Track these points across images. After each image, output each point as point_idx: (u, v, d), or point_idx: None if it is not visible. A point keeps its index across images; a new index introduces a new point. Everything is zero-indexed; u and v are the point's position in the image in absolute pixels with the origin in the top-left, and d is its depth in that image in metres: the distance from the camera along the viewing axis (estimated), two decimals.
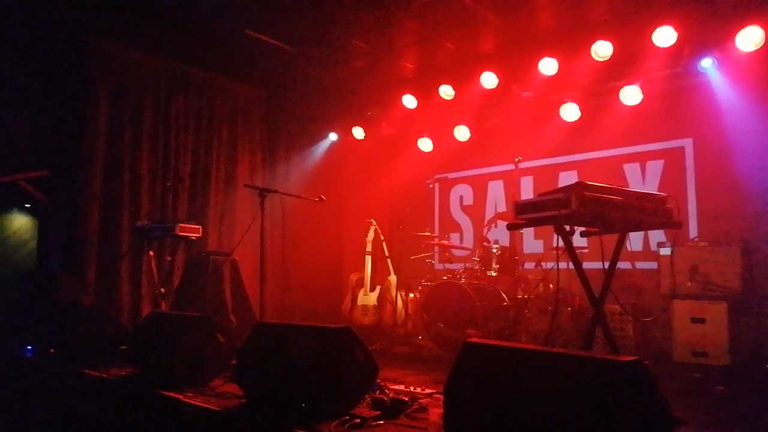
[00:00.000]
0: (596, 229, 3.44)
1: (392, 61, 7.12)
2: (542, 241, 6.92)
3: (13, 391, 4.71)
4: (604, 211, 2.95)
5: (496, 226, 6.63)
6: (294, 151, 8.22)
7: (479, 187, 7.81)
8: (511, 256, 6.02)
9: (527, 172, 7.04)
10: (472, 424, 2.38)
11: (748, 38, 5.21)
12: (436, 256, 7.54)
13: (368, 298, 6.70)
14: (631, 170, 6.50)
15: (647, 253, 6.10)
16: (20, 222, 7.97)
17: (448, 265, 6.80)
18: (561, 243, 3.18)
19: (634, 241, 6.20)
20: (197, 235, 5.52)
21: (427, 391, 3.67)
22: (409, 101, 7.48)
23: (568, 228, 3.17)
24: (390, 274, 6.86)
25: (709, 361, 4.75)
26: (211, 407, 3.31)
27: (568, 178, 6.77)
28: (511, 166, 6.21)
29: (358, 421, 2.91)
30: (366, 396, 3.24)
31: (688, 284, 5.03)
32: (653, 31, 5.54)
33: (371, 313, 6.60)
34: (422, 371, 4.89)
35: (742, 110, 5.58)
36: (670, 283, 5.01)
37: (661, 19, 5.48)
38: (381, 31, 6.29)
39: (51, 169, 6.16)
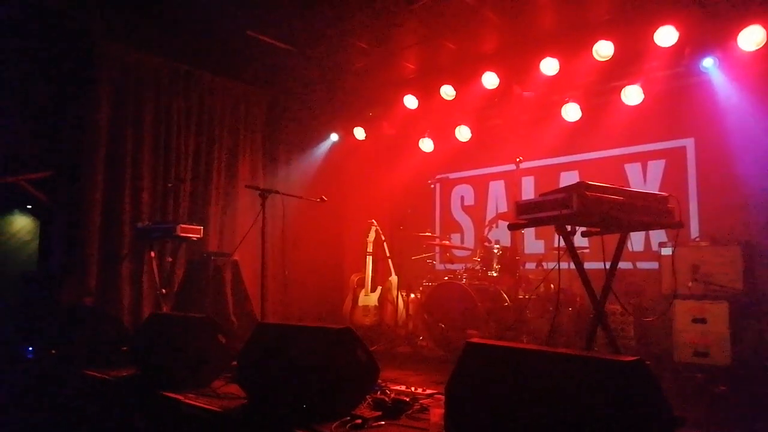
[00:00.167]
0: (597, 229, 3.44)
1: (393, 61, 7.12)
2: (543, 241, 6.91)
3: (15, 392, 4.71)
4: (605, 211, 2.94)
5: (497, 227, 6.62)
6: (295, 151, 8.21)
7: (480, 187, 7.81)
8: (512, 257, 6.02)
9: (528, 172, 7.04)
10: (474, 425, 2.38)
11: (749, 38, 5.20)
12: (437, 256, 7.54)
13: (369, 298, 6.70)
14: (632, 170, 6.49)
15: (648, 254, 6.10)
16: (22, 223, 7.99)
17: (449, 266, 6.80)
18: (562, 243, 3.18)
19: (636, 241, 6.19)
20: (198, 235, 5.53)
21: (429, 391, 3.67)
22: (411, 101, 7.48)
23: (569, 228, 3.17)
24: (391, 275, 6.85)
25: (711, 361, 4.74)
26: (212, 408, 3.31)
27: (569, 178, 6.77)
28: (512, 166, 6.20)
29: (359, 421, 2.91)
30: (367, 396, 3.24)
31: (690, 284, 5.02)
32: (655, 31, 5.53)
33: (372, 314, 6.60)
34: (423, 372, 4.89)
35: (744, 110, 5.58)
36: (672, 283, 5.01)
37: (663, 19, 5.48)
38: (382, 31, 6.30)
39: (53, 171, 6.16)
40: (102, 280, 5.93)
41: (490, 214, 7.46)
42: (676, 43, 5.55)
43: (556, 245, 3.24)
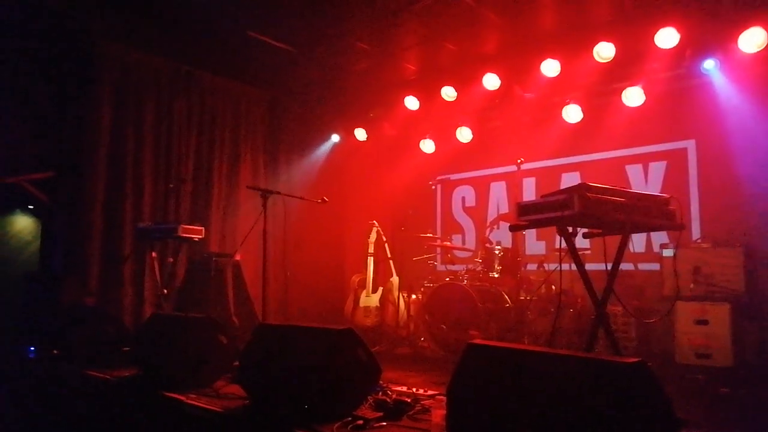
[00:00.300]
0: (599, 231, 3.44)
1: (394, 62, 7.13)
2: (545, 242, 6.91)
3: (16, 392, 4.71)
4: (606, 212, 2.95)
5: (498, 228, 6.63)
6: (296, 152, 8.22)
7: (481, 188, 7.81)
8: (513, 258, 6.01)
9: (529, 173, 7.04)
10: (475, 426, 2.38)
11: (750, 39, 5.20)
12: (438, 257, 7.54)
13: (370, 299, 6.70)
14: (633, 171, 6.49)
15: (650, 255, 6.09)
16: (23, 223, 7.99)
17: (450, 267, 6.79)
18: (564, 244, 3.19)
19: (637, 242, 6.18)
20: (199, 236, 5.53)
21: (430, 392, 3.67)
22: (412, 103, 7.49)
23: (570, 229, 3.17)
24: (392, 276, 6.85)
25: (712, 362, 4.74)
26: (214, 408, 3.32)
27: (570, 180, 6.77)
28: (513, 168, 6.20)
29: (360, 422, 2.91)
30: (368, 397, 3.24)
31: (691, 286, 5.02)
32: (656, 33, 5.53)
33: (373, 315, 6.60)
34: (425, 372, 4.88)
35: (745, 111, 5.58)
36: (673, 284, 5.00)
37: (664, 21, 5.48)
38: (383, 32, 6.30)
39: (54, 171, 6.17)
40: (103, 280, 5.93)
41: (492, 216, 7.46)
42: (677, 45, 5.55)
43: (557, 246, 3.25)
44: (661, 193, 3.51)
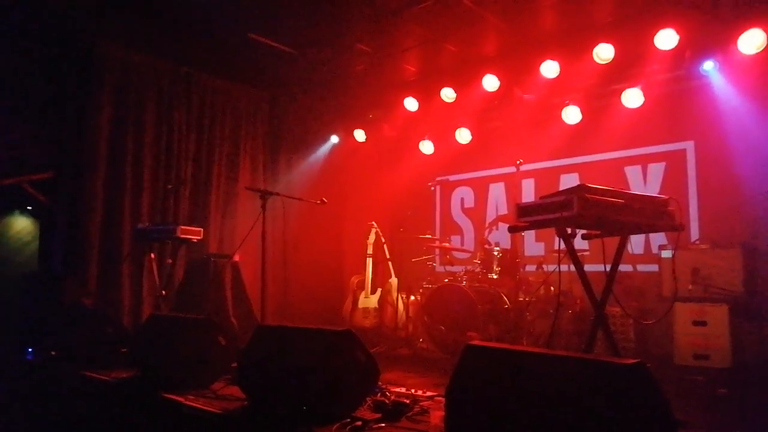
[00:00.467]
0: (598, 232, 3.44)
1: (394, 63, 7.13)
2: (543, 243, 6.91)
3: (15, 393, 4.71)
4: (605, 213, 2.95)
5: (497, 229, 6.63)
6: (295, 153, 8.22)
7: (480, 189, 7.81)
8: (512, 259, 6.01)
9: (528, 174, 7.04)
10: (474, 427, 2.38)
11: (749, 41, 5.21)
12: (437, 258, 7.54)
13: (369, 300, 6.70)
14: (632, 173, 6.50)
15: (649, 256, 6.10)
16: (22, 224, 8.00)
17: (449, 268, 6.79)
18: (562, 246, 3.19)
19: (636, 243, 6.18)
20: (198, 237, 5.52)
21: (429, 393, 3.67)
22: (411, 104, 7.49)
23: (569, 230, 3.17)
24: (391, 277, 6.85)
25: (711, 364, 4.74)
26: (213, 409, 3.31)
27: (569, 181, 6.77)
28: (512, 169, 6.20)
29: (359, 423, 2.91)
30: (367, 399, 3.24)
31: (690, 287, 5.02)
32: (655, 34, 5.54)
33: (372, 316, 6.59)
34: (423, 374, 4.88)
35: (744, 113, 5.58)
36: (672, 285, 5.00)
37: (663, 22, 5.48)
38: (383, 33, 6.30)
39: (53, 172, 6.17)
40: (102, 281, 5.92)
41: (490, 217, 7.47)
42: (676, 46, 5.55)
43: (556, 248, 3.24)
44: (659, 194, 3.51)
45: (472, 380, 2.46)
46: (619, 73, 6.09)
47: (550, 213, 3.01)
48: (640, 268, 6.14)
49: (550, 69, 6.30)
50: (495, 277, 5.93)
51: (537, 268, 6.23)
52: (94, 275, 5.86)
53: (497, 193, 7.63)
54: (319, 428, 2.82)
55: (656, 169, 6.34)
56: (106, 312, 5.47)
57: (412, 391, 3.77)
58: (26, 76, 5.93)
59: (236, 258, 5.78)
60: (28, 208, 7.86)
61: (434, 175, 7.42)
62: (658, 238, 5.86)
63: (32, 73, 5.95)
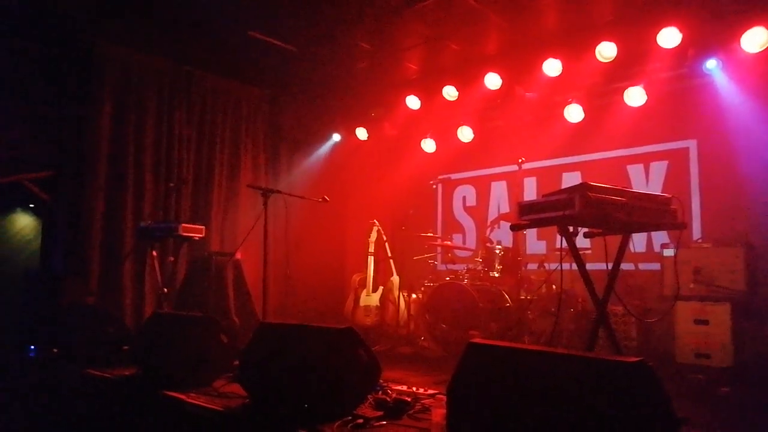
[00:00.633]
0: (600, 230, 3.44)
1: (396, 62, 7.12)
2: (545, 242, 6.91)
3: (16, 391, 4.72)
4: (607, 212, 2.94)
5: (499, 227, 6.63)
6: (297, 151, 8.22)
7: (482, 187, 7.81)
8: (514, 257, 6.01)
9: (530, 173, 7.03)
10: (475, 425, 2.38)
11: (753, 39, 5.20)
12: (439, 256, 7.54)
13: (371, 298, 6.70)
14: (634, 171, 6.49)
15: (651, 255, 6.09)
16: (24, 222, 8.00)
17: (450, 266, 6.79)
18: (564, 244, 3.18)
19: (638, 242, 6.18)
20: (200, 235, 5.52)
21: (430, 391, 3.67)
22: (413, 102, 7.48)
23: (571, 229, 3.17)
24: (392, 275, 6.85)
25: (712, 362, 4.73)
26: (214, 407, 3.32)
27: (571, 179, 6.76)
28: (514, 167, 6.20)
29: (360, 421, 2.91)
30: (369, 396, 3.24)
31: (692, 285, 5.02)
32: (658, 32, 5.52)
33: (374, 314, 6.60)
34: (425, 372, 4.88)
35: (747, 111, 5.57)
36: (674, 284, 5.00)
37: (666, 20, 5.47)
38: (385, 32, 6.29)
39: (55, 170, 6.17)
40: (104, 279, 5.93)
41: (492, 215, 7.46)
42: (679, 45, 5.54)
43: (558, 246, 3.24)
44: (662, 192, 3.50)
45: (474, 378, 2.45)
46: (622, 72, 6.08)
47: (552, 211, 3.01)
48: (642, 266, 6.13)
49: (552, 67, 6.28)
50: (496, 275, 5.93)
51: (539, 267, 6.24)
52: (95, 273, 5.87)
53: (499, 191, 7.62)
54: (320, 426, 2.82)
55: (659, 168, 6.33)
56: (107, 310, 5.48)
57: (414, 389, 3.77)
58: (27, 75, 5.93)
59: (238, 256, 5.78)
60: (31, 206, 7.86)
61: (436, 174, 7.42)
62: (660, 237, 5.84)
63: (33, 72, 5.95)
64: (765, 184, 5.39)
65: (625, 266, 4.16)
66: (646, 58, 5.89)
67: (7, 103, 5.84)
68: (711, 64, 5.62)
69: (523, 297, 5.76)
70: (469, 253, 6.92)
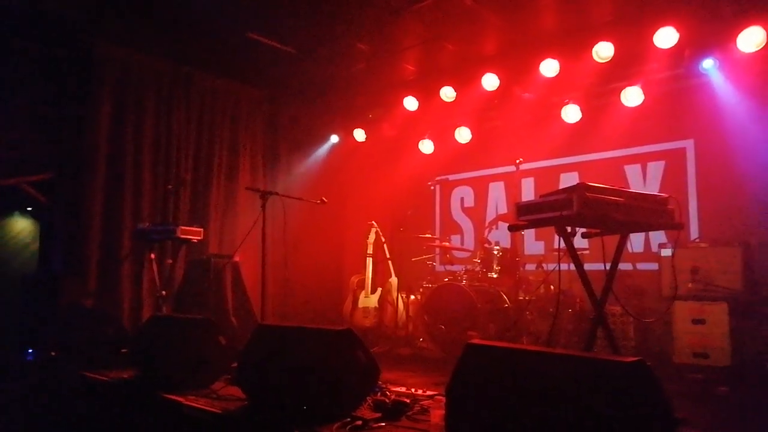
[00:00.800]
0: (598, 231, 3.44)
1: (393, 63, 7.12)
2: (543, 242, 6.91)
3: (15, 394, 4.70)
4: (605, 212, 2.95)
5: (497, 228, 6.63)
6: (295, 153, 8.22)
7: (480, 188, 7.81)
8: (512, 258, 6.02)
9: (528, 173, 7.04)
10: (474, 426, 2.38)
11: (749, 39, 5.21)
12: (437, 257, 7.54)
13: (369, 300, 6.70)
14: (632, 171, 6.50)
15: (648, 255, 6.10)
16: (22, 225, 7.99)
17: (449, 267, 6.80)
18: (562, 244, 3.19)
19: (636, 242, 6.19)
20: (198, 237, 5.52)
21: (429, 392, 3.67)
22: (411, 103, 7.48)
23: (569, 229, 3.17)
24: (391, 276, 6.85)
25: (710, 362, 4.74)
26: (213, 409, 3.31)
27: (569, 180, 6.77)
28: (512, 168, 6.20)
29: (359, 423, 2.91)
30: (367, 398, 3.24)
31: (689, 285, 5.02)
32: (655, 33, 5.53)
33: (372, 315, 6.60)
34: (423, 373, 4.88)
35: (744, 111, 5.58)
36: (672, 284, 5.00)
37: (663, 21, 5.48)
38: (383, 33, 6.29)
39: (53, 172, 6.16)
40: (102, 281, 5.92)
41: (490, 216, 7.46)
42: (675, 45, 5.55)
43: (556, 246, 3.24)
44: (659, 192, 3.51)
45: (473, 379, 2.46)
46: (619, 72, 6.09)
47: (550, 212, 3.01)
48: (640, 266, 6.13)
49: (549, 68, 6.29)
50: (495, 276, 5.93)
51: (537, 267, 6.24)
52: (94, 276, 5.86)
53: (497, 192, 7.62)
54: (319, 428, 2.82)
55: (656, 168, 6.34)
56: (106, 312, 5.47)
57: (413, 390, 3.77)
58: (26, 76, 5.92)
59: (236, 258, 5.78)
60: (28, 209, 7.85)
61: (434, 175, 7.42)
62: (657, 237, 5.85)
63: (32, 73, 5.95)
64: (762, 184, 5.40)
65: (623, 266, 4.17)
66: (643, 59, 5.90)
67: (6, 104, 5.83)
68: (708, 64, 5.64)
69: (521, 297, 5.77)
70: (468, 254, 6.92)
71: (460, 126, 7.49)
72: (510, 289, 5.81)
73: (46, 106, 6.02)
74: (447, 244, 7.18)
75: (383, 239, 7.02)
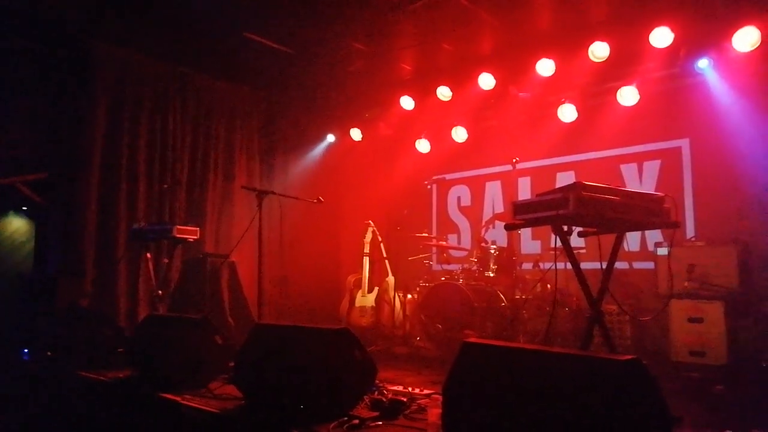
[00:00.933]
0: (594, 230, 3.45)
1: (390, 62, 7.13)
2: (540, 241, 6.93)
3: (11, 394, 4.69)
4: (601, 211, 2.95)
5: (493, 227, 6.64)
6: (292, 152, 8.22)
7: (477, 187, 7.82)
8: (508, 257, 6.02)
9: (525, 172, 7.05)
10: (471, 424, 2.38)
11: (744, 38, 5.23)
12: (434, 257, 7.55)
13: (366, 299, 6.70)
14: (628, 170, 6.51)
15: (644, 253, 6.11)
16: (17, 224, 7.97)
17: (445, 266, 6.80)
18: (559, 243, 3.19)
19: (632, 241, 6.22)
20: (195, 237, 5.50)
21: (426, 391, 3.67)
22: (407, 102, 7.49)
23: (566, 228, 3.18)
24: (388, 275, 6.85)
25: (707, 360, 4.75)
26: (210, 409, 3.31)
27: (565, 179, 6.78)
28: (508, 167, 6.21)
29: (356, 422, 2.91)
30: (364, 397, 3.24)
31: (686, 284, 5.04)
32: (650, 32, 5.55)
33: (369, 315, 6.60)
34: (420, 372, 4.88)
35: (739, 110, 5.60)
36: (668, 282, 5.02)
37: (658, 20, 5.50)
38: (379, 32, 6.29)
39: (48, 172, 6.15)
40: (98, 281, 5.91)
41: (487, 215, 7.47)
42: (671, 44, 5.57)
43: (552, 245, 3.25)
44: (655, 191, 3.52)
45: (469, 378, 2.46)
46: (615, 71, 6.11)
47: (547, 211, 3.01)
48: (636, 265, 6.15)
49: (545, 67, 6.31)
50: (491, 275, 5.94)
51: (533, 266, 6.25)
52: (90, 275, 5.85)
53: (493, 191, 7.63)
54: (316, 427, 2.82)
55: (652, 167, 6.36)
56: (102, 312, 5.46)
57: (410, 389, 3.77)
58: (23, 76, 5.91)
59: (233, 257, 5.77)
60: (24, 208, 7.83)
61: (431, 174, 7.43)
62: (653, 236, 5.87)
63: (30, 73, 5.93)
64: (757, 182, 5.42)
65: (619, 265, 4.18)
66: (638, 58, 5.92)
67: (5, 103, 5.82)
68: (703, 64, 5.67)
69: (518, 296, 5.78)
70: (464, 253, 6.93)
71: (456, 125, 7.50)
72: (507, 288, 5.82)
73: (43, 106, 6.01)
74: (444, 243, 7.18)
75: (380, 238, 7.02)
